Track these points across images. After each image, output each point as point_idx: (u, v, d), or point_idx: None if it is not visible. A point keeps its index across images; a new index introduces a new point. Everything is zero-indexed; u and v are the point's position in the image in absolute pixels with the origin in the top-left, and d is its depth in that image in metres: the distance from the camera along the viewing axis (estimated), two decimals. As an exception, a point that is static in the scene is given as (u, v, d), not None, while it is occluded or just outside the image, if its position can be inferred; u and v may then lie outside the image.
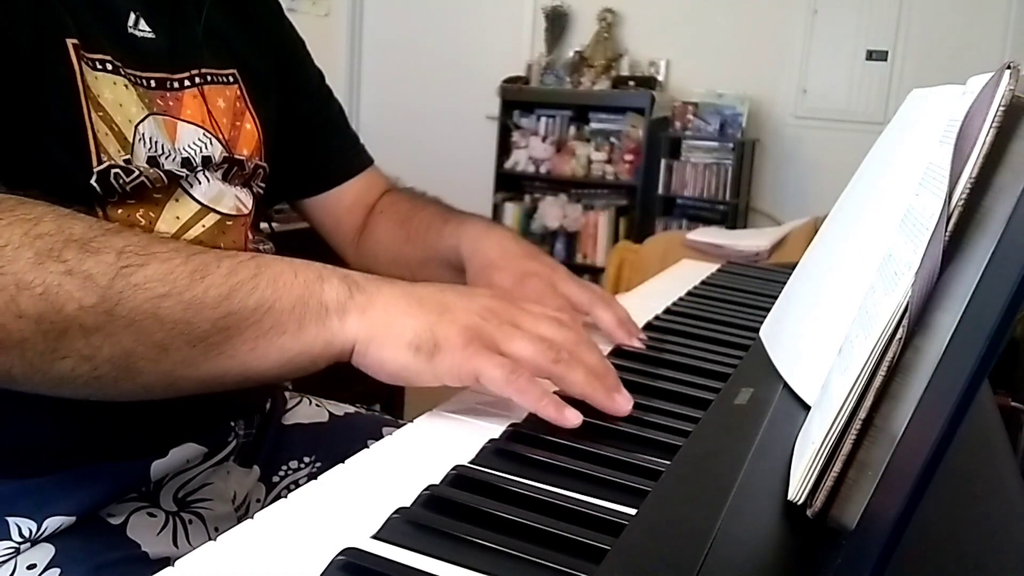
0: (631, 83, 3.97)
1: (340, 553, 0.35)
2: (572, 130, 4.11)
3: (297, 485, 0.68)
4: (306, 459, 0.79)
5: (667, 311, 0.82)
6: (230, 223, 0.69)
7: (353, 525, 0.38)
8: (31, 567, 0.57)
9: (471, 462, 0.46)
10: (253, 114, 0.73)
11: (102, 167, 0.58)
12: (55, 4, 0.56)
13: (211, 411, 0.70)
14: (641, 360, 0.66)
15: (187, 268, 0.46)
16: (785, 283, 0.72)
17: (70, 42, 0.57)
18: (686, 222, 3.80)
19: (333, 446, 0.80)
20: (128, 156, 0.60)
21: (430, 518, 0.39)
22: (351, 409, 0.87)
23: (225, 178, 0.69)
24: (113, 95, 0.59)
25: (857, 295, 0.45)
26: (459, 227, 0.81)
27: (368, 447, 0.48)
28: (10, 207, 0.45)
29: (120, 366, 0.45)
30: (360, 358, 0.50)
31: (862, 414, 0.36)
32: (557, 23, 4.22)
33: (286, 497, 0.41)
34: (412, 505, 0.40)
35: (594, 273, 3.82)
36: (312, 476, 0.43)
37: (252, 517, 0.39)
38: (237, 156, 0.70)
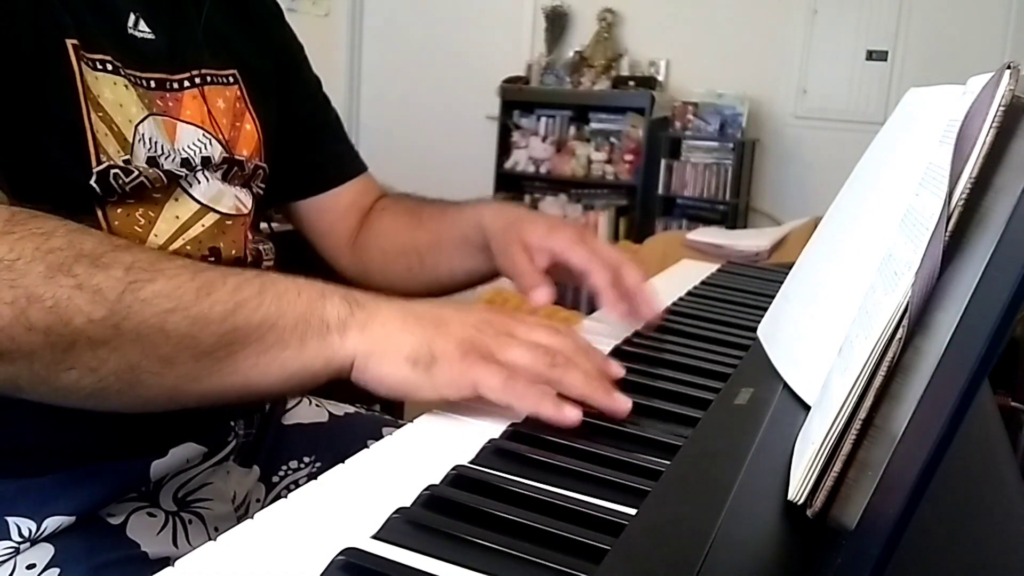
0: (631, 83, 3.97)
1: (340, 553, 0.35)
2: (572, 130, 4.12)
3: (297, 485, 0.68)
4: (306, 459, 0.79)
5: (667, 311, 0.82)
6: (229, 223, 0.69)
7: (353, 525, 0.38)
8: (31, 567, 0.57)
9: (471, 462, 0.45)
10: (253, 115, 0.73)
11: (101, 167, 0.58)
12: (55, 4, 0.56)
13: (211, 411, 0.69)
14: (641, 360, 0.66)
15: (194, 284, 0.47)
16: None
17: (70, 42, 0.57)
18: (686, 222, 3.80)
19: (333, 446, 0.80)
20: (128, 156, 0.60)
21: (430, 518, 0.39)
22: (351, 409, 0.87)
23: (225, 178, 0.69)
24: (113, 95, 0.59)
25: (857, 295, 0.45)
26: (477, 205, 0.82)
27: (368, 447, 0.48)
28: (22, 220, 0.45)
29: (125, 379, 0.46)
30: (360, 373, 0.50)
31: (862, 414, 0.36)
32: (557, 23, 4.22)
33: (286, 497, 0.41)
34: (412, 505, 0.40)
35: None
36: (312, 476, 0.43)
37: (252, 517, 0.39)
38: (237, 156, 0.70)
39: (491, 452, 0.47)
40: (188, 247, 0.65)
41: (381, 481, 0.43)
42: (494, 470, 0.44)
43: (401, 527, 0.38)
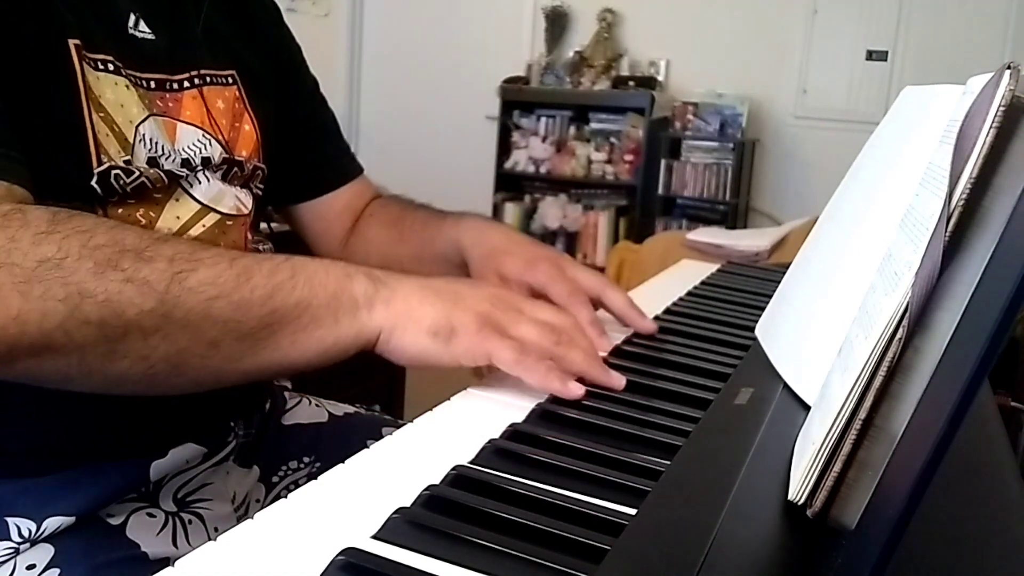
0: (631, 83, 3.97)
1: (340, 553, 0.35)
2: (572, 130, 4.11)
3: (297, 485, 0.68)
4: (306, 459, 0.79)
5: (667, 311, 0.82)
6: (230, 223, 0.69)
7: (353, 525, 0.38)
8: (30, 567, 0.57)
9: (471, 462, 0.45)
10: (252, 115, 0.73)
11: (102, 168, 0.58)
12: (57, 4, 0.56)
13: (211, 411, 0.70)
14: (641, 360, 0.66)
15: (233, 271, 0.50)
16: (785, 283, 0.72)
17: (72, 42, 0.57)
18: (686, 222, 3.80)
19: (333, 446, 0.80)
20: (128, 157, 0.60)
21: (430, 518, 0.39)
22: (351, 409, 0.87)
23: (225, 178, 0.69)
24: (115, 95, 0.59)
25: (857, 295, 0.45)
26: (458, 222, 0.82)
27: (368, 447, 0.48)
28: (63, 220, 0.47)
29: (173, 363, 0.49)
30: (384, 345, 0.54)
31: (862, 414, 0.36)
32: (557, 23, 4.22)
33: (286, 497, 0.41)
34: (412, 505, 0.40)
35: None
36: (312, 476, 0.43)
37: (252, 517, 0.39)
38: (236, 157, 0.70)
39: (491, 452, 0.47)
40: None
41: (381, 481, 0.43)
42: (494, 470, 0.44)
43: (401, 527, 0.38)
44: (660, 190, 3.85)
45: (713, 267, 1.09)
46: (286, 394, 0.85)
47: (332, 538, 0.36)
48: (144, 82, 0.63)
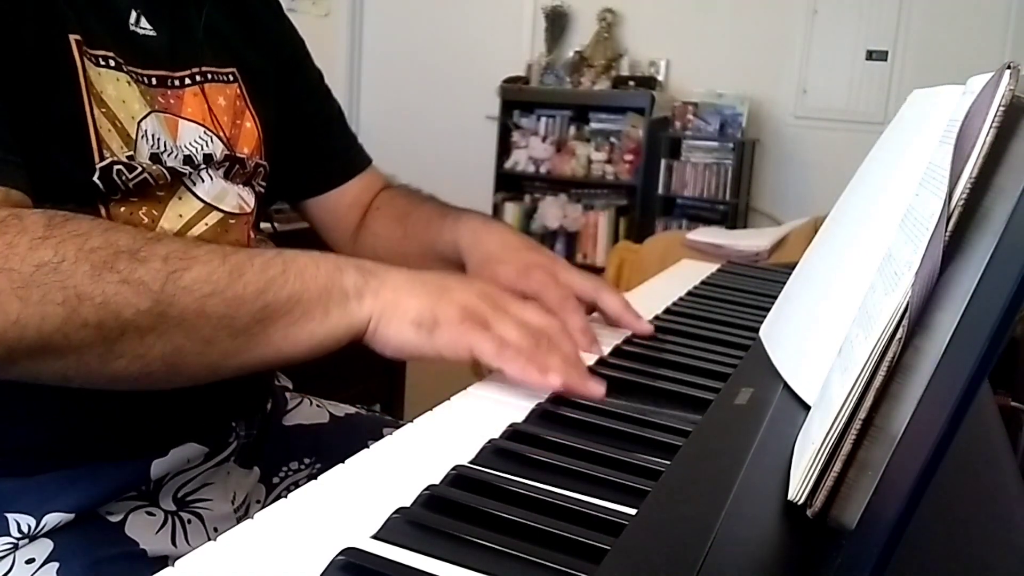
0: (631, 83, 3.97)
1: (340, 553, 0.35)
2: (572, 130, 4.11)
3: (297, 486, 0.67)
4: (306, 460, 0.79)
5: (667, 311, 0.82)
6: (233, 221, 0.69)
7: (353, 525, 0.38)
8: (29, 561, 0.57)
9: (471, 462, 0.45)
10: (253, 113, 0.73)
11: (104, 163, 0.58)
12: (57, 1, 0.56)
13: (212, 412, 0.70)
14: (641, 360, 0.66)
15: (225, 268, 0.50)
16: (785, 283, 0.72)
17: (72, 38, 0.57)
18: (686, 222, 3.80)
19: (333, 447, 0.80)
20: (131, 152, 0.60)
21: (430, 518, 0.39)
22: (351, 410, 0.87)
23: (227, 176, 0.69)
24: (116, 91, 0.59)
25: (857, 295, 0.45)
26: (456, 222, 0.81)
27: (368, 447, 0.48)
28: (59, 224, 0.48)
29: (169, 361, 0.49)
30: (370, 335, 0.54)
31: (862, 414, 0.36)
32: (557, 23, 4.22)
33: (286, 497, 0.41)
34: (412, 505, 0.40)
35: (594, 273, 3.81)
36: (312, 477, 0.43)
37: (251, 517, 0.39)
38: (238, 154, 0.70)
39: (491, 452, 0.47)
40: None
41: (381, 481, 0.43)
42: (494, 470, 0.44)
43: (401, 527, 0.38)
44: (660, 190, 3.85)
45: (713, 267, 1.09)
46: (287, 395, 0.85)
47: (332, 538, 0.36)
48: (145, 79, 0.63)
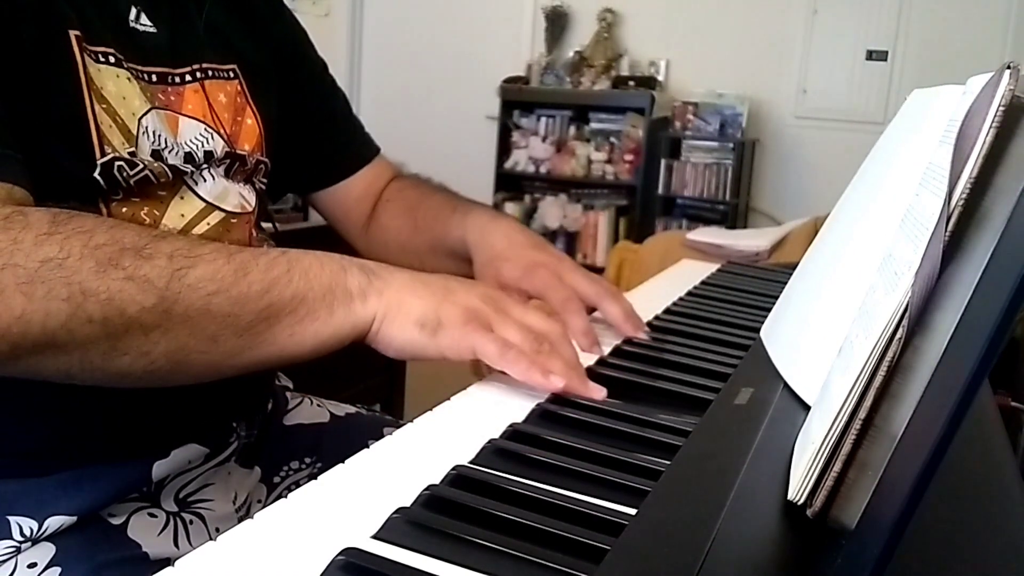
0: (631, 83, 3.97)
1: (340, 553, 0.35)
2: (572, 130, 4.11)
3: (298, 485, 0.68)
4: (307, 460, 0.79)
5: (667, 311, 0.82)
6: (234, 221, 0.69)
7: (353, 525, 0.38)
8: (32, 566, 0.57)
9: (471, 462, 0.45)
10: (254, 109, 0.73)
11: (106, 159, 0.58)
12: None
13: (213, 412, 0.70)
14: (641, 360, 0.66)
15: (230, 266, 0.50)
16: (785, 283, 0.72)
17: (72, 34, 0.57)
18: (686, 222, 3.80)
19: (334, 446, 0.80)
20: (132, 149, 0.60)
21: (430, 518, 0.39)
22: (352, 409, 0.87)
23: (228, 174, 0.69)
24: (117, 88, 0.59)
25: (857, 295, 0.45)
26: (465, 217, 0.82)
27: (369, 447, 0.48)
28: (64, 220, 0.48)
29: (174, 359, 0.49)
30: (373, 336, 0.55)
31: (862, 414, 0.36)
32: (557, 23, 4.22)
33: (286, 497, 0.41)
34: (412, 505, 0.40)
35: (594, 273, 3.81)
36: (313, 476, 0.43)
37: (252, 517, 0.39)
38: (239, 151, 0.70)
39: (491, 452, 0.47)
40: None
41: (381, 481, 0.43)
42: (494, 470, 0.44)
43: (401, 527, 0.38)
44: (660, 190, 3.85)
45: (713, 267, 1.09)
46: (288, 394, 0.85)
47: (332, 538, 0.36)
48: (146, 75, 0.63)
